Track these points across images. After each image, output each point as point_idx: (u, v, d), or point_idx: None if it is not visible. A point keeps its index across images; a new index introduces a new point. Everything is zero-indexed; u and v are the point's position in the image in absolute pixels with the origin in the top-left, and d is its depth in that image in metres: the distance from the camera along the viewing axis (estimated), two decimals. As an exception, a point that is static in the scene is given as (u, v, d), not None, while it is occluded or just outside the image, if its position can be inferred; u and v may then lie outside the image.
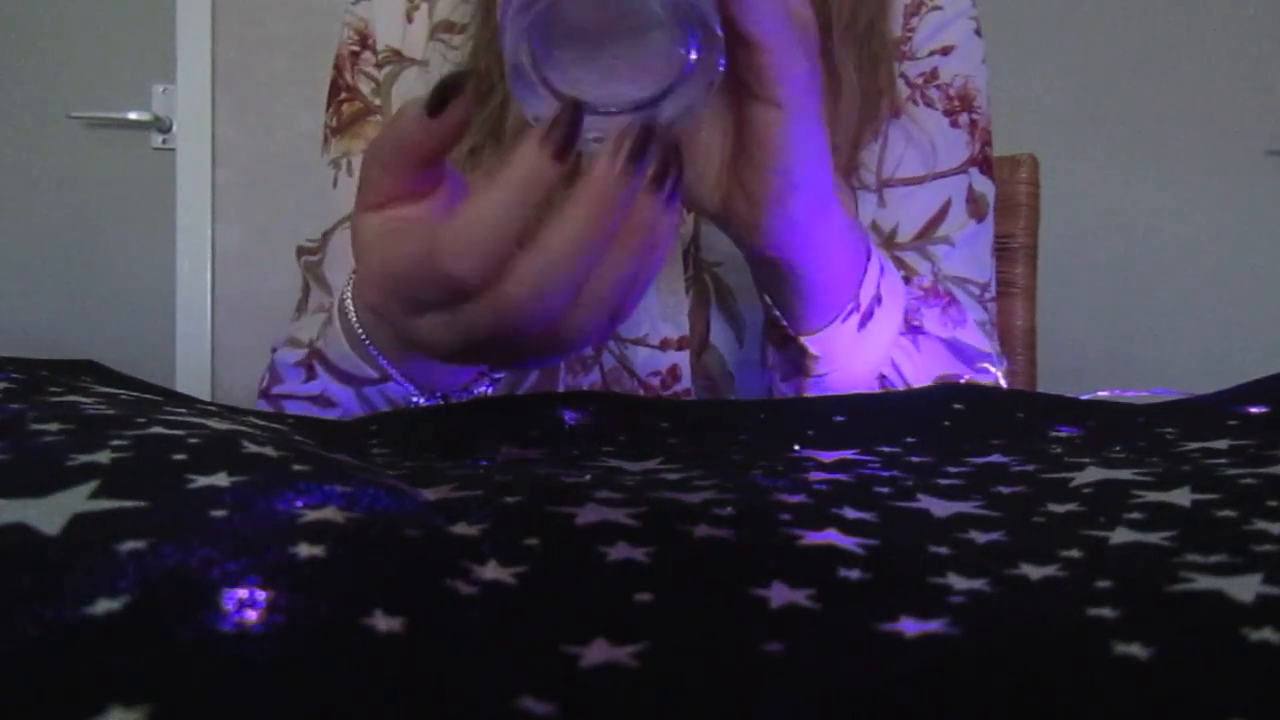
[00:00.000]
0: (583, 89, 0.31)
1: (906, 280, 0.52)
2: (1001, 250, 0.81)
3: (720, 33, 0.32)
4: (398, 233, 0.31)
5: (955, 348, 0.56)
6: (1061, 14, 1.90)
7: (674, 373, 0.60)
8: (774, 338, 0.49)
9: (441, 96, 0.29)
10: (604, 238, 0.29)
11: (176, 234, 1.83)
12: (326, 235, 0.64)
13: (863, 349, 0.47)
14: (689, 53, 0.32)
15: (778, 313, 0.46)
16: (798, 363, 0.48)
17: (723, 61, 0.32)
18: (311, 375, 0.53)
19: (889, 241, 0.61)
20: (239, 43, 1.82)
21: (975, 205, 0.61)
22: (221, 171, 1.83)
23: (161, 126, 1.87)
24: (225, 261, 1.84)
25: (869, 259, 0.46)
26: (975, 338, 0.57)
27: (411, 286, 0.30)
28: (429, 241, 0.29)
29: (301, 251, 0.65)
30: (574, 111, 0.29)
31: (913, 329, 0.54)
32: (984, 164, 0.62)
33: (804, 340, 0.46)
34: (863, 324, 0.46)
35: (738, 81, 0.36)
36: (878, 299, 0.47)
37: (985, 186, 0.62)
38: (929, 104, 0.61)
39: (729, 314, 0.60)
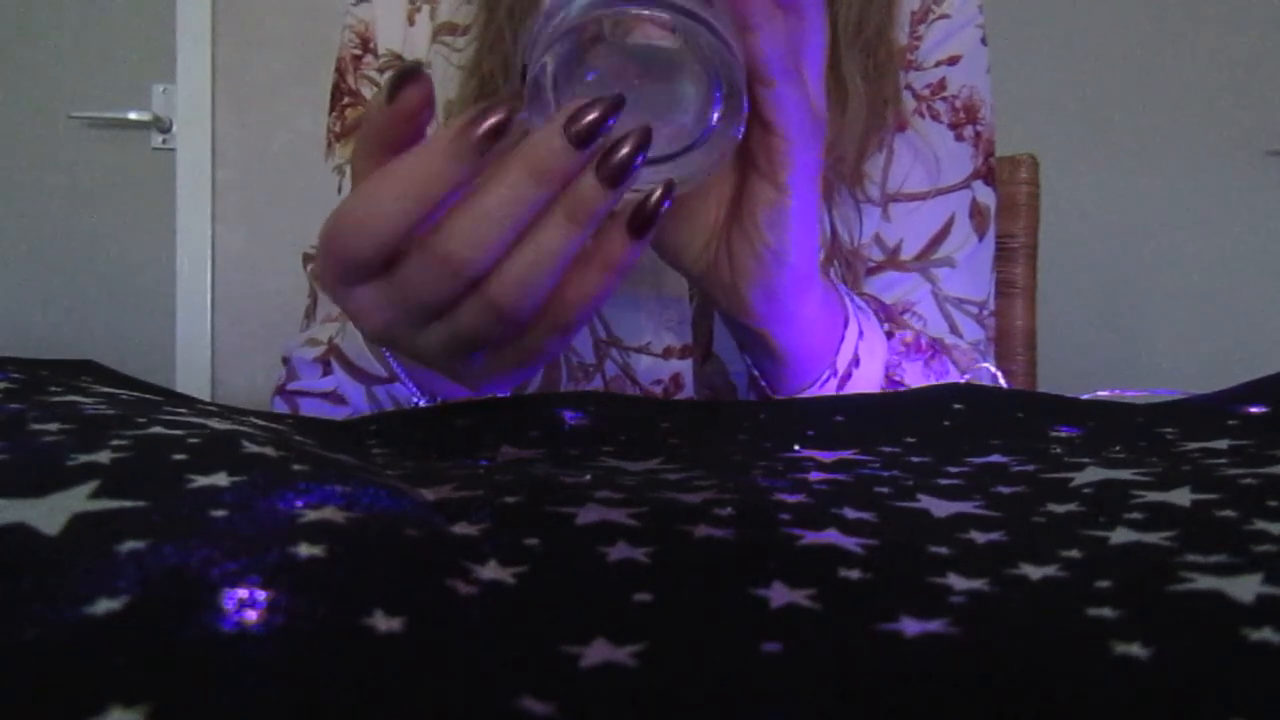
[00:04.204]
0: None
1: (889, 335, 0.53)
2: (1001, 250, 0.81)
3: (745, 107, 0.31)
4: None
5: None
6: (1061, 14, 1.90)
7: (677, 381, 0.60)
8: (756, 391, 0.50)
9: (396, 84, 0.30)
10: (533, 204, 0.29)
11: (176, 234, 1.83)
12: None
13: None
14: (710, 118, 0.31)
15: (757, 372, 0.47)
16: None
17: (740, 131, 0.32)
18: (327, 371, 0.53)
19: (893, 258, 0.60)
20: (239, 43, 1.83)
21: (979, 219, 0.61)
22: (221, 171, 1.83)
23: (161, 126, 1.87)
24: (225, 261, 1.84)
25: (846, 325, 0.47)
26: None
27: (335, 243, 0.31)
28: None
29: (308, 258, 0.65)
30: (611, 106, 0.28)
31: (893, 384, 0.54)
32: (987, 175, 0.62)
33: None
34: (840, 387, 0.47)
35: (745, 157, 0.37)
36: (855, 361, 0.48)
37: (988, 197, 0.62)
38: (935, 117, 0.61)
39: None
